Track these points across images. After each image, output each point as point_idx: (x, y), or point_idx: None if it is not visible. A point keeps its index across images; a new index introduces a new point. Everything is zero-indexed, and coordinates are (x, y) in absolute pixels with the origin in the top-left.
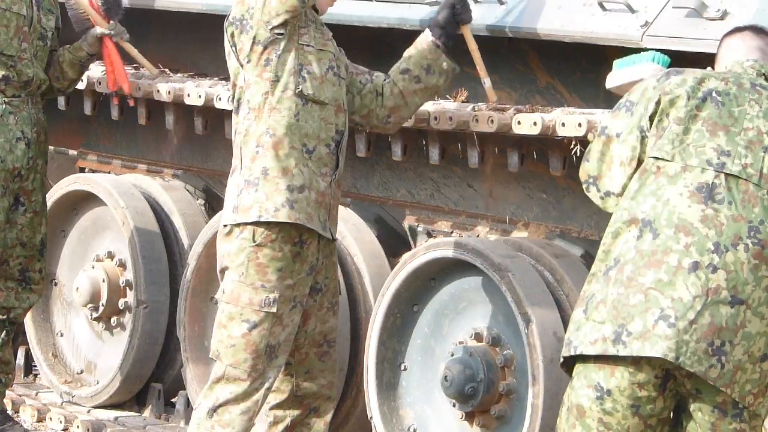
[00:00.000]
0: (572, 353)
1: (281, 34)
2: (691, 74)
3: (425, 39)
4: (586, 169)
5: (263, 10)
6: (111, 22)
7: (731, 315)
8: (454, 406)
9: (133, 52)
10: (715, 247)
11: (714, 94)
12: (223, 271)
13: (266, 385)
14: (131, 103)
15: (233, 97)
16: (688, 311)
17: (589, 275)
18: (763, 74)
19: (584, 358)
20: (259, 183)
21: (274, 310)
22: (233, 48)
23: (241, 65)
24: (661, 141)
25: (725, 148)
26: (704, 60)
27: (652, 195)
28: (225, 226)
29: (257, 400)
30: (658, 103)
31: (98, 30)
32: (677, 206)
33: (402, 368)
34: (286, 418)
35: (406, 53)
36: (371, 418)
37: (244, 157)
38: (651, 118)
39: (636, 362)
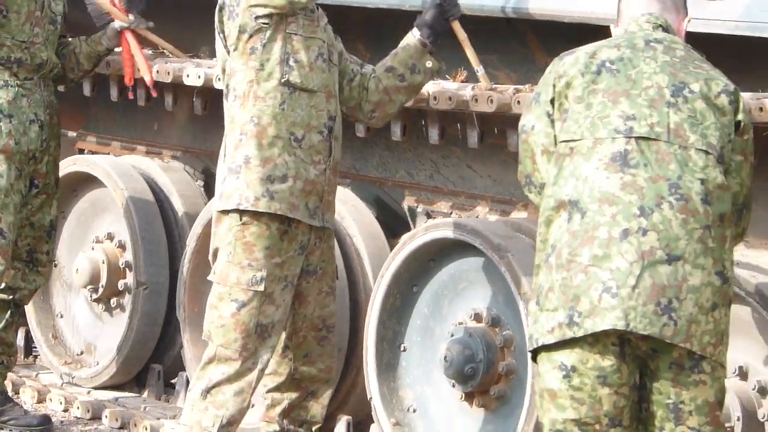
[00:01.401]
0: (535, 346)
1: (267, 23)
2: (583, 51)
3: (412, 38)
4: (520, 171)
5: None
6: (130, 15)
7: (671, 272)
8: (453, 386)
9: (156, 39)
10: (641, 210)
11: (607, 64)
12: (215, 252)
13: (259, 365)
14: (154, 94)
15: (223, 83)
16: (628, 278)
17: (534, 268)
18: (660, 26)
19: (547, 347)
20: (241, 171)
21: (261, 288)
22: (221, 34)
23: (228, 52)
24: (566, 123)
25: (629, 113)
26: (704, 39)
27: (572, 176)
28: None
29: (250, 381)
30: (554, 87)
31: (117, 24)
32: (596, 180)
33: (401, 349)
34: (284, 400)
35: (394, 50)
36: (371, 398)
37: (229, 144)
38: (552, 102)
39: (593, 337)
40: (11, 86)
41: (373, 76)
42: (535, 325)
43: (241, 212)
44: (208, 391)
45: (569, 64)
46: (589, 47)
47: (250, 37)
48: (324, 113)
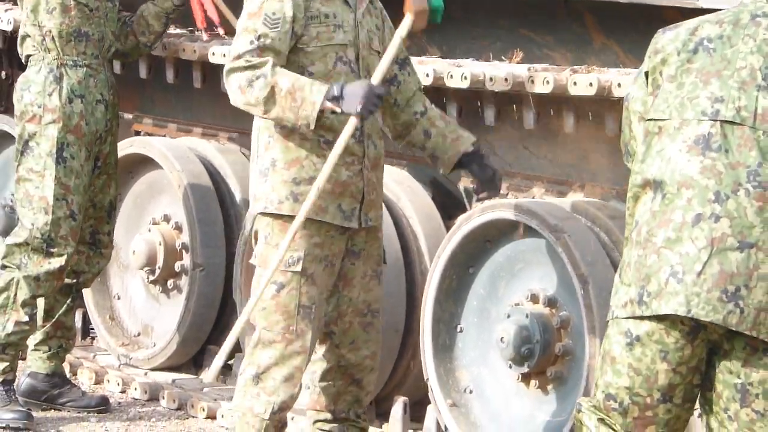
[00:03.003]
0: (611, 318)
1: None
2: (684, 27)
3: (463, 148)
4: (621, 140)
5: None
6: None
7: (742, 260)
8: (510, 367)
9: (220, 3)
10: (716, 196)
11: (705, 42)
12: (255, 234)
13: (305, 347)
14: (222, 33)
15: None
16: (695, 264)
17: (624, 239)
18: None
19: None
20: (268, 174)
21: (299, 268)
22: None
23: None
24: (657, 101)
25: (718, 95)
26: None
27: (658, 155)
28: None
29: (298, 365)
30: (650, 60)
31: None
32: (678, 162)
33: (458, 330)
34: (331, 388)
35: (440, 138)
36: (427, 379)
37: (259, 146)
38: (647, 75)
39: (661, 317)
40: (80, 66)
41: (416, 112)
42: (614, 297)
43: (269, 215)
44: (258, 376)
45: (668, 39)
46: (692, 22)
47: None
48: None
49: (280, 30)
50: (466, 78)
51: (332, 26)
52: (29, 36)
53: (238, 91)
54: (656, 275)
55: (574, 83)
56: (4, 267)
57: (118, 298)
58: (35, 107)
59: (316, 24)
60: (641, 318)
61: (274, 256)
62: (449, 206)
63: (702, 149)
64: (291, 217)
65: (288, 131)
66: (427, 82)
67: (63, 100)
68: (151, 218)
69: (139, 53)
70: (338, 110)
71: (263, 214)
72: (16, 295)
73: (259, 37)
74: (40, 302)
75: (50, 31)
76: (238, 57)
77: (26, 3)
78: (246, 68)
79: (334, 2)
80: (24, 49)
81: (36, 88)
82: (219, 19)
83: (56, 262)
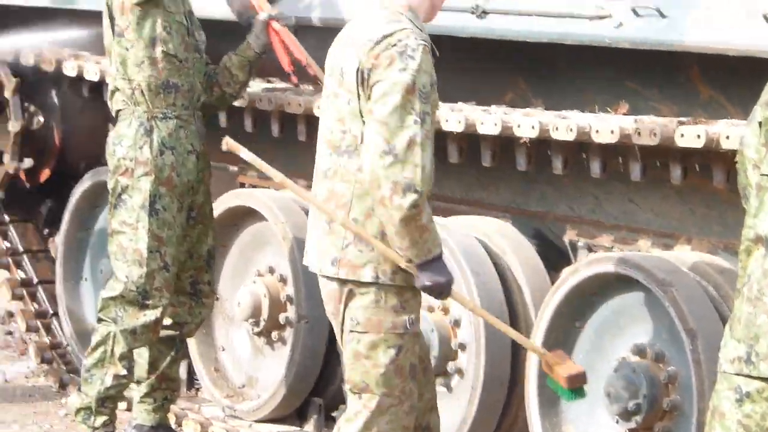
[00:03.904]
0: (719, 371)
1: None
2: None
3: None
4: (738, 183)
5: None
6: (274, 6)
7: None
8: (617, 422)
9: (302, 50)
10: None
11: None
12: (346, 300)
13: (415, 405)
14: (312, 74)
15: (343, 140)
16: None
17: (735, 291)
18: None
19: None
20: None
21: (417, 329)
22: (360, 92)
23: (361, 114)
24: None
25: None
26: None
27: None
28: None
29: (408, 425)
30: (760, 111)
31: (263, 15)
32: None
33: None
34: None
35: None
36: None
37: (355, 206)
38: (760, 125)
39: None
40: (170, 118)
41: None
42: (724, 349)
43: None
44: None
45: None
46: None
47: None
48: None
49: (432, 104)
50: (571, 130)
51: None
52: (119, 90)
53: (391, 186)
54: (765, 336)
55: (682, 135)
56: (100, 321)
57: (223, 350)
58: (127, 161)
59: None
60: (750, 376)
61: (389, 320)
62: (554, 259)
63: None
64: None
65: None
66: (532, 134)
67: (154, 152)
68: (256, 270)
69: (225, 104)
70: (426, 282)
71: (372, 283)
72: (113, 348)
73: (423, 117)
74: (144, 354)
75: (139, 85)
76: (411, 144)
77: (114, 56)
78: (414, 165)
79: None
80: (114, 104)
81: (127, 142)
82: (306, 62)
83: (152, 315)
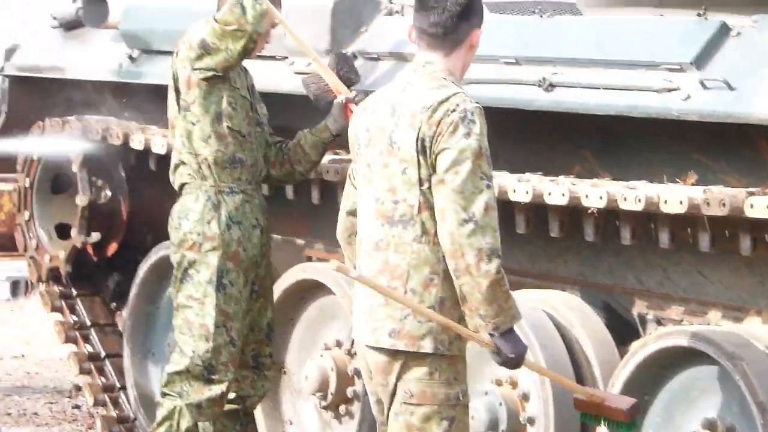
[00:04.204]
0: None
1: None
2: None
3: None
4: None
5: None
6: (352, 88)
7: None
8: None
9: None
10: None
11: None
12: (402, 373)
13: None
14: None
15: (396, 210)
16: None
17: None
18: None
19: None
20: (435, 312)
21: (468, 400)
22: (421, 160)
23: (420, 182)
24: None
25: None
26: None
27: None
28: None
29: None
30: None
31: (341, 97)
32: None
33: None
34: None
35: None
36: None
37: (411, 281)
38: None
39: None
40: (236, 192)
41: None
42: None
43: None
44: None
45: None
46: None
47: None
48: None
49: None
50: (640, 201)
51: None
52: (184, 164)
53: (475, 253)
54: None
55: (751, 205)
56: (165, 395)
57: (291, 423)
58: (194, 235)
59: None
60: None
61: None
62: (623, 332)
63: None
64: (456, 357)
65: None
66: (600, 204)
67: (222, 227)
68: (323, 343)
69: (293, 181)
70: (510, 353)
71: (428, 354)
72: (179, 423)
73: (491, 179)
74: (209, 429)
75: (206, 159)
76: (488, 208)
77: (179, 130)
78: (493, 230)
79: None
80: (178, 177)
81: (194, 216)
82: None
83: (217, 389)
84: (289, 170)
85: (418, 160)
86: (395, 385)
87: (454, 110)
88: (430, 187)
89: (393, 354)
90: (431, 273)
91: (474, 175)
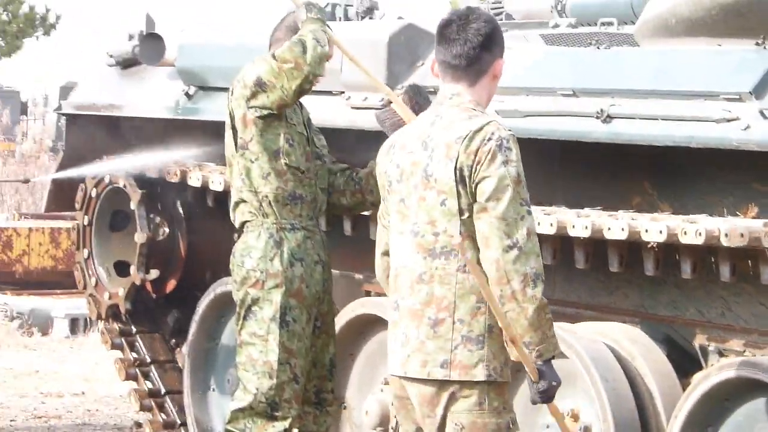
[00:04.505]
0: None
1: None
2: None
3: None
4: None
5: None
6: None
7: None
8: None
9: None
10: None
11: None
12: (450, 405)
13: None
14: None
15: (437, 243)
16: None
17: None
18: None
19: None
20: (485, 341)
21: (518, 429)
22: (461, 190)
23: (460, 212)
24: None
25: None
26: None
27: None
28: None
29: None
30: None
31: None
32: None
33: None
34: None
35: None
36: None
37: (458, 310)
38: None
39: None
40: (297, 229)
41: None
42: None
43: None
44: None
45: None
46: None
47: None
48: None
49: None
50: (700, 234)
51: None
52: (245, 201)
53: (521, 279)
54: None
55: None
56: None
57: None
58: (257, 272)
59: None
60: None
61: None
62: (685, 364)
63: None
64: (505, 385)
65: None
66: (660, 238)
67: (284, 264)
68: (383, 378)
69: (362, 210)
70: (553, 382)
71: (478, 383)
72: None
73: (530, 204)
74: None
75: (267, 196)
76: (530, 233)
77: (238, 168)
78: (536, 255)
79: None
80: (239, 215)
81: (257, 254)
82: None
83: (280, 426)
84: (360, 199)
85: (458, 191)
86: (443, 417)
87: (490, 138)
88: (470, 216)
89: (441, 385)
90: (477, 302)
91: (515, 201)
